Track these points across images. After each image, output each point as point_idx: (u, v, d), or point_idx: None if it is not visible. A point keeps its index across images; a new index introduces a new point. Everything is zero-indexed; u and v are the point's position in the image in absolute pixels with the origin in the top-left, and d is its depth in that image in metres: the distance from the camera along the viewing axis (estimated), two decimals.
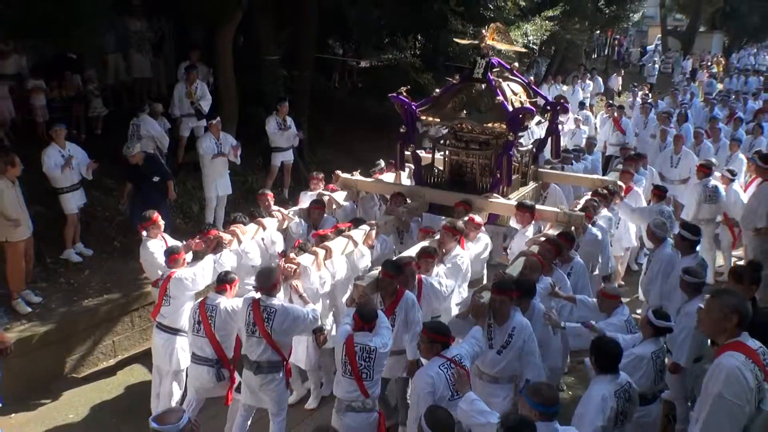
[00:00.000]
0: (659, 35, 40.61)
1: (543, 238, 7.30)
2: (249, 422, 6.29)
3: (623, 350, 5.03)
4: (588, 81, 24.05)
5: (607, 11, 22.99)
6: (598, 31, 27.68)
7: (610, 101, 21.48)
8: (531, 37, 16.85)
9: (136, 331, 8.63)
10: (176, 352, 6.79)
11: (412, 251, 7.10)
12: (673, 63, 33.88)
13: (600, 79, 25.86)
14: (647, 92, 21.89)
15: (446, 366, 4.88)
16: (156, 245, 7.55)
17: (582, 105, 19.05)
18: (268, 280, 5.81)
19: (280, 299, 6.03)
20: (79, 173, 9.21)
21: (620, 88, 26.95)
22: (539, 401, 4.12)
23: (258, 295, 5.81)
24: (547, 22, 17.37)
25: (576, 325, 6.13)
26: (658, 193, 9.64)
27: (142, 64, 12.66)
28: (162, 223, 7.80)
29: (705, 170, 10.15)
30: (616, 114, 16.61)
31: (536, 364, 5.49)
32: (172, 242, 7.80)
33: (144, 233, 7.71)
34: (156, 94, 12.59)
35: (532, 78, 13.56)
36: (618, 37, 36.27)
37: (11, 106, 10.33)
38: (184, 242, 7.52)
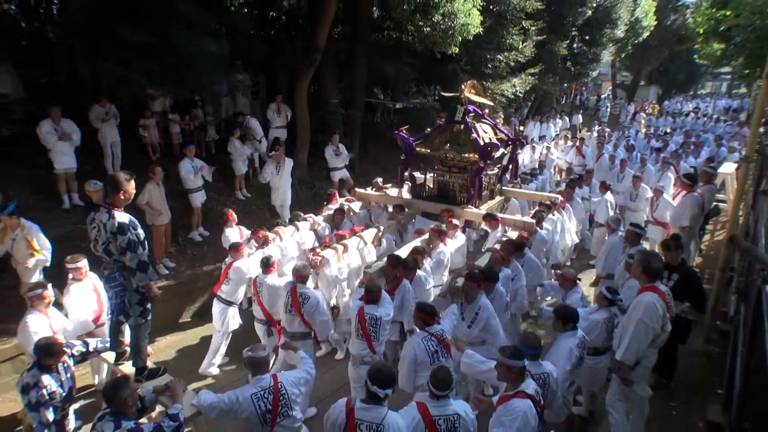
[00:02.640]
0: (610, 87, 39.98)
1: (505, 239, 7.33)
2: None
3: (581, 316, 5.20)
4: (558, 119, 23.96)
5: (572, 70, 22.66)
6: (566, 84, 27.30)
7: (574, 135, 21.35)
8: (518, 88, 16.70)
9: None
10: (228, 318, 6.92)
11: (408, 247, 7.10)
12: (620, 107, 33.40)
13: (567, 118, 25.66)
14: (602, 128, 21.77)
15: (427, 339, 4.83)
16: (233, 232, 7.81)
17: (556, 137, 19.01)
18: (302, 273, 5.84)
19: (310, 286, 6.09)
20: (202, 178, 9.43)
21: (581, 125, 26.72)
22: (528, 346, 4.20)
23: (295, 283, 5.81)
24: (529, 77, 17.19)
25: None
26: (605, 186, 10.51)
27: (244, 104, 12.76)
28: (235, 217, 7.97)
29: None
30: (578, 144, 16.60)
31: (497, 336, 5.38)
32: (247, 232, 8.05)
33: (225, 225, 7.95)
34: None
35: (502, 118, 13.39)
36: (581, 87, 35.78)
37: (157, 133, 10.56)
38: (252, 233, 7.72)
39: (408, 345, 4.96)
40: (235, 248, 6.93)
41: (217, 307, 6.96)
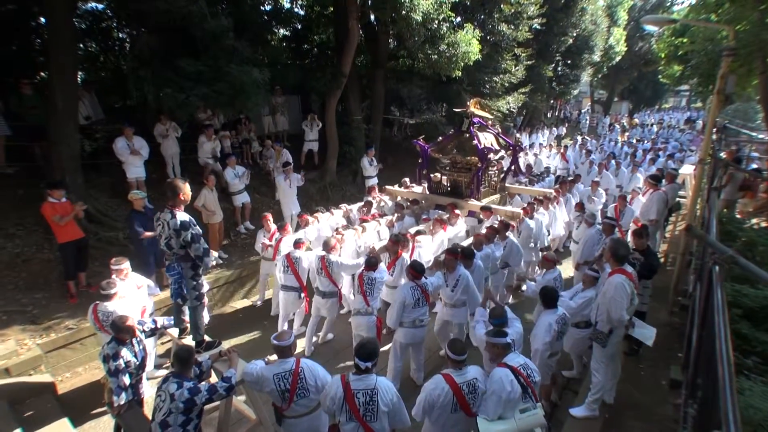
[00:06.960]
0: (589, 102, 39.36)
1: (489, 225, 7.52)
2: (315, 326, 6.51)
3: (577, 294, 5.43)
4: (545, 130, 23.53)
5: (557, 89, 22.34)
6: (552, 100, 26.90)
7: (559, 144, 20.99)
8: (511, 104, 16.48)
9: None
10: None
11: (413, 230, 7.47)
12: (597, 120, 32.93)
13: (554, 129, 25.26)
14: (584, 137, 21.42)
15: (414, 287, 5.26)
16: (264, 234, 7.60)
17: (541, 145, 18.68)
18: (328, 245, 6.18)
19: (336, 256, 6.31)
20: (244, 183, 9.42)
21: (565, 135, 26.31)
22: (493, 316, 4.39)
23: (324, 253, 6.16)
24: (521, 95, 16.95)
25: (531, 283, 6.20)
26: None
27: (282, 122, 12.77)
28: (271, 219, 7.73)
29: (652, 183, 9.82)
30: (562, 150, 16.30)
31: (475, 298, 5.63)
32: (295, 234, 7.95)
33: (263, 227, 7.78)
34: (289, 140, 12.82)
35: (499, 129, 13.08)
36: (564, 103, 35.24)
37: None
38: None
39: (399, 290, 5.35)
40: (282, 227, 7.29)
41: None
